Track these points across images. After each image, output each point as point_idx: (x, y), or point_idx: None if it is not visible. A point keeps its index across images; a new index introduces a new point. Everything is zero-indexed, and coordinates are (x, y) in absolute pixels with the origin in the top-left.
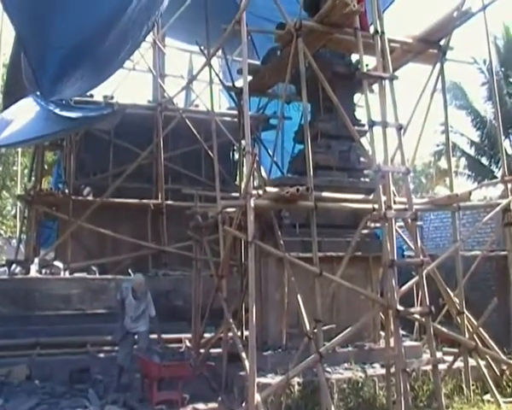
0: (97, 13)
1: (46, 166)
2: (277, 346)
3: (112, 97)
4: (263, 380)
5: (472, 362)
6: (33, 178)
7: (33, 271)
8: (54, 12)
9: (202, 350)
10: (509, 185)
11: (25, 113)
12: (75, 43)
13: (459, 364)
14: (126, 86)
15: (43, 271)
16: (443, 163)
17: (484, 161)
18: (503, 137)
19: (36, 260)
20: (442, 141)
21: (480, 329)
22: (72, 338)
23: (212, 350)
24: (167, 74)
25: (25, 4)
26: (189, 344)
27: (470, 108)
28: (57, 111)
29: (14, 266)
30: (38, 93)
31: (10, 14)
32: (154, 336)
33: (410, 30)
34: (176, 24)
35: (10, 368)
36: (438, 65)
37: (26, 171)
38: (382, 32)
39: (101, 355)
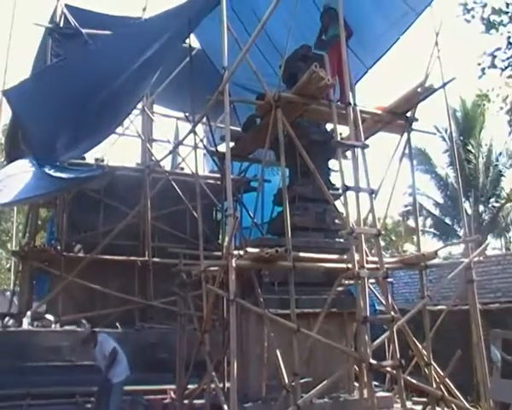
0: (92, 93)
1: (40, 223)
2: (257, 398)
3: (103, 160)
4: None
5: None
6: (27, 235)
7: (25, 323)
8: (51, 102)
9: (186, 401)
10: (470, 245)
11: (21, 173)
12: (69, 120)
13: None
14: (117, 149)
15: (35, 323)
16: (411, 222)
17: (447, 220)
18: (463, 200)
19: (28, 313)
20: (410, 202)
21: (446, 379)
22: (62, 389)
23: (196, 401)
24: (155, 139)
25: (25, 97)
26: (173, 395)
27: (434, 172)
28: (51, 172)
29: (7, 318)
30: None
31: (13, 105)
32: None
33: (379, 101)
34: (163, 93)
35: None
36: (405, 134)
37: (20, 227)
38: (354, 104)
39: (89, 406)
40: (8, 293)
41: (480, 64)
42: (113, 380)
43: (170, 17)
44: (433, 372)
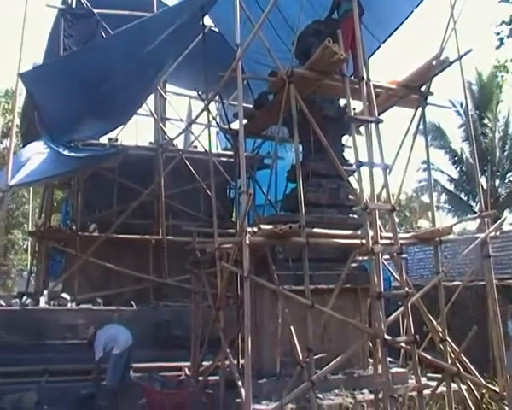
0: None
1: (55, 204)
2: (272, 374)
3: (116, 140)
4: (258, 407)
5: (454, 387)
6: (43, 216)
7: (42, 302)
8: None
9: (201, 378)
10: (486, 220)
11: (36, 154)
12: (85, 103)
13: (442, 389)
14: (130, 129)
15: (52, 302)
16: (425, 198)
17: (462, 196)
18: (479, 174)
19: (45, 292)
20: (424, 178)
21: (462, 355)
22: (79, 366)
23: (210, 378)
24: (168, 118)
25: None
26: (188, 372)
27: (449, 147)
28: (66, 153)
29: (24, 297)
30: (49, 137)
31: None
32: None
33: (393, 75)
34: (176, 71)
35: (21, 394)
36: (419, 109)
37: (36, 208)
38: (368, 79)
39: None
40: (25, 273)
41: (498, 34)
42: (113, 351)
43: (184, 4)
44: (448, 348)
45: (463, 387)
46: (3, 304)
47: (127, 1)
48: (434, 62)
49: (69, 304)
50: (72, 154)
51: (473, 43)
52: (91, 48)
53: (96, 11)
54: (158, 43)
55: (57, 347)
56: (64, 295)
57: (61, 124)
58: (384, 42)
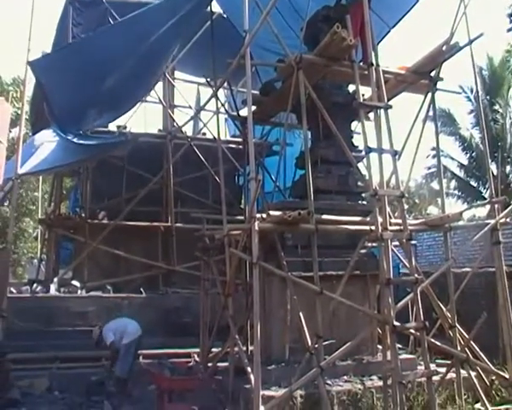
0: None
1: (64, 192)
2: (281, 360)
3: (125, 127)
4: (267, 393)
5: (464, 373)
6: (53, 203)
7: (53, 289)
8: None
9: (210, 364)
10: (496, 206)
11: (46, 143)
12: (93, 91)
13: (452, 375)
14: (138, 116)
15: (62, 289)
16: (435, 184)
17: (472, 182)
18: (489, 160)
19: (55, 279)
20: (433, 164)
21: (471, 341)
22: (89, 353)
23: (220, 364)
24: (176, 105)
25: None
26: (197, 358)
27: (458, 134)
28: (75, 140)
29: (35, 285)
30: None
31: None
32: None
33: (403, 61)
34: (184, 58)
35: (32, 380)
36: (429, 94)
37: (46, 196)
38: (377, 64)
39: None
40: (35, 261)
41: (511, 16)
42: (122, 341)
43: None
44: (457, 335)
45: (473, 373)
46: (14, 291)
47: None
48: (444, 47)
49: (79, 291)
50: (82, 142)
51: (484, 27)
52: (99, 34)
53: None
54: (165, 30)
55: (67, 334)
56: (74, 282)
57: (69, 112)
58: (393, 27)
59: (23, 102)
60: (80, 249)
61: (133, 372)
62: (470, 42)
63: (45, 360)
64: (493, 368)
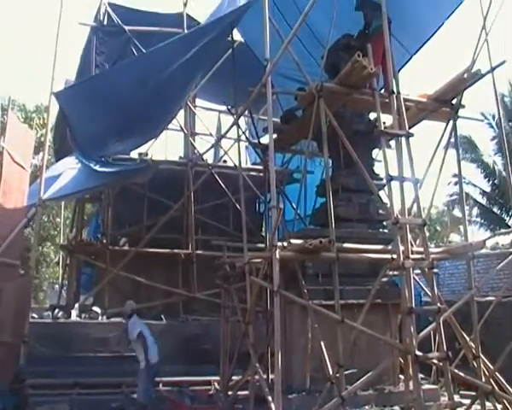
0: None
1: (85, 218)
2: (301, 389)
3: (146, 154)
4: None
5: (489, 406)
6: (74, 229)
7: (74, 315)
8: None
9: (230, 392)
10: None
11: (69, 169)
12: (116, 120)
13: (476, 407)
14: (159, 144)
15: (83, 315)
16: (457, 212)
17: (495, 209)
18: None
19: (76, 305)
20: (455, 191)
21: (496, 373)
22: (109, 379)
23: (240, 392)
24: (197, 133)
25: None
26: (217, 386)
27: (481, 160)
28: (97, 168)
29: (56, 310)
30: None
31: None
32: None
33: (424, 88)
34: (205, 86)
35: (52, 406)
36: (450, 122)
37: (67, 222)
38: (398, 92)
39: (136, 396)
40: (56, 286)
41: None
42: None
43: (212, 24)
44: (481, 365)
45: (499, 406)
46: (36, 317)
47: (157, 18)
48: (466, 75)
49: (100, 317)
50: (104, 169)
51: (506, 53)
52: (121, 66)
53: (126, 28)
54: (187, 59)
55: (88, 360)
56: (95, 308)
57: (92, 140)
58: (415, 54)
59: (47, 129)
60: (101, 275)
61: (152, 399)
62: (492, 69)
63: (65, 386)
64: None
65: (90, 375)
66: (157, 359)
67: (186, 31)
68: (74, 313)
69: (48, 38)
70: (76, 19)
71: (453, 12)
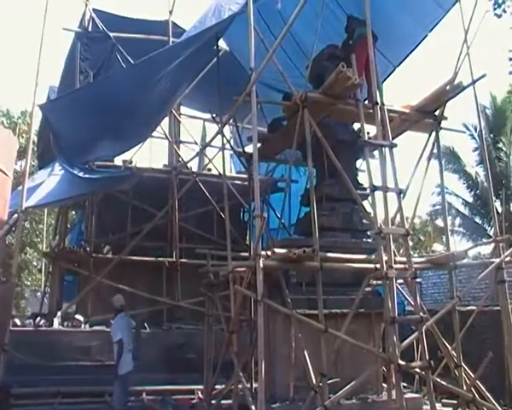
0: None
1: (69, 225)
2: (285, 398)
3: (130, 162)
4: None
5: None
6: (57, 237)
7: (56, 323)
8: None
9: (214, 401)
10: (501, 244)
11: (51, 176)
12: (100, 128)
13: None
14: (144, 152)
15: (65, 323)
16: (439, 222)
17: (477, 220)
18: (493, 198)
19: (59, 313)
20: (438, 201)
21: (477, 381)
22: (92, 388)
23: (223, 402)
24: (182, 140)
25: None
26: (201, 395)
27: (463, 171)
28: (80, 174)
29: (38, 318)
30: (64, 159)
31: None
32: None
33: (407, 99)
34: (190, 94)
35: None
36: (433, 133)
37: (51, 228)
38: (382, 103)
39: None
40: (39, 293)
41: (511, 59)
42: (118, 372)
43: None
44: (463, 374)
45: None
46: (19, 323)
47: (143, 24)
48: (448, 87)
49: (83, 325)
50: (87, 176)
51: (487, 66)
52: (107, 79)
53: (111, 34)
54: (173, 68)
55: (70, 368)
56: (78, 316)
57: (75, 147)
58: (398, 66)
59: (30, 136)
60: (84, 283)
61: (127, 407)
62: (473, 82)
63: (48, 395)
64: (499, 409)
65: (72, 384)
66: (130, 368)
67: (171, 38)
68: (57, 321)
69: (33, 43)
70: (61, 24)
71: (436, 25)
